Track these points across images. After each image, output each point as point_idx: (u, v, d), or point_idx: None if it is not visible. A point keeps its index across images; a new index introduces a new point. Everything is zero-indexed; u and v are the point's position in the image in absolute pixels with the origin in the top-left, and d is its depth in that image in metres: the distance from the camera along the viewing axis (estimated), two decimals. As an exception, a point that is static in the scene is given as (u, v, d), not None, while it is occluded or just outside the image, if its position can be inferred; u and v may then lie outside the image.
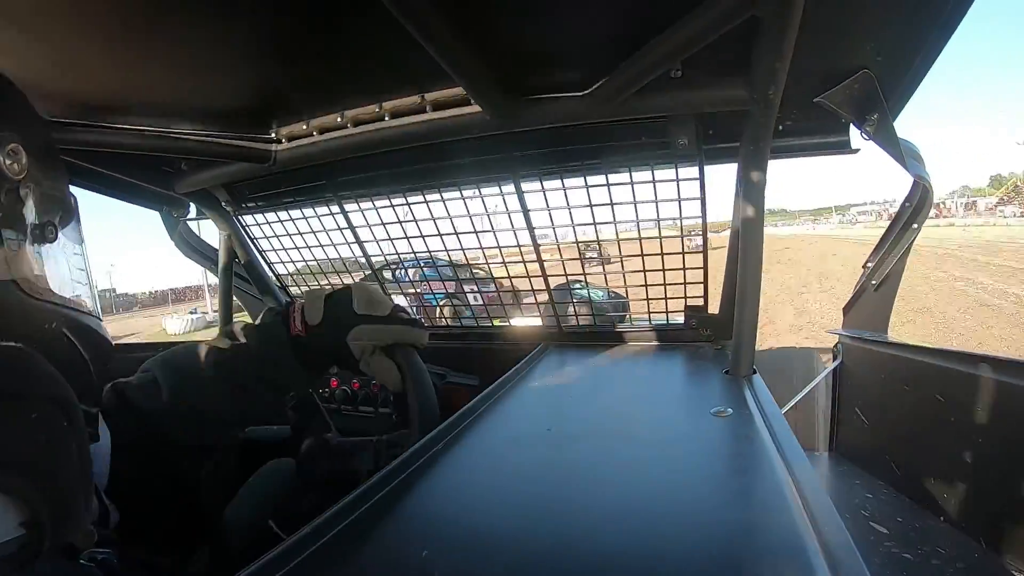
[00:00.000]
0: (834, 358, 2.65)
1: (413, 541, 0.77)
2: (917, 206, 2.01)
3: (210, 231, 2.37)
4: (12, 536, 0.60)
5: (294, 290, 2.48)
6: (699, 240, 1.67)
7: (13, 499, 0.60)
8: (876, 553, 1.80)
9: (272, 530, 1.46)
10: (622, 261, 1.78)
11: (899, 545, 1.82)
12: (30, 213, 0.77)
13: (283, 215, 2.13)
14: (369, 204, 1.96)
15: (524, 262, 1.93)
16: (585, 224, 1.72)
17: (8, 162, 0.73)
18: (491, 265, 1.99)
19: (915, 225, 2.06)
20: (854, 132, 1.44)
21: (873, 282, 2.33)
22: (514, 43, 1.19)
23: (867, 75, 1.26)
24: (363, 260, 2.13)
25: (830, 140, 1.48)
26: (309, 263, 2.28)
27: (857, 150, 1.47)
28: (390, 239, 2.02)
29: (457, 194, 1.80)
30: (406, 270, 2.12)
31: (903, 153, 1.46)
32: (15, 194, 0.74)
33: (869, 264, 2.35)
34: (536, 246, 1.84)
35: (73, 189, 0.88)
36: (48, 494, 0.63)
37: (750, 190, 1.37)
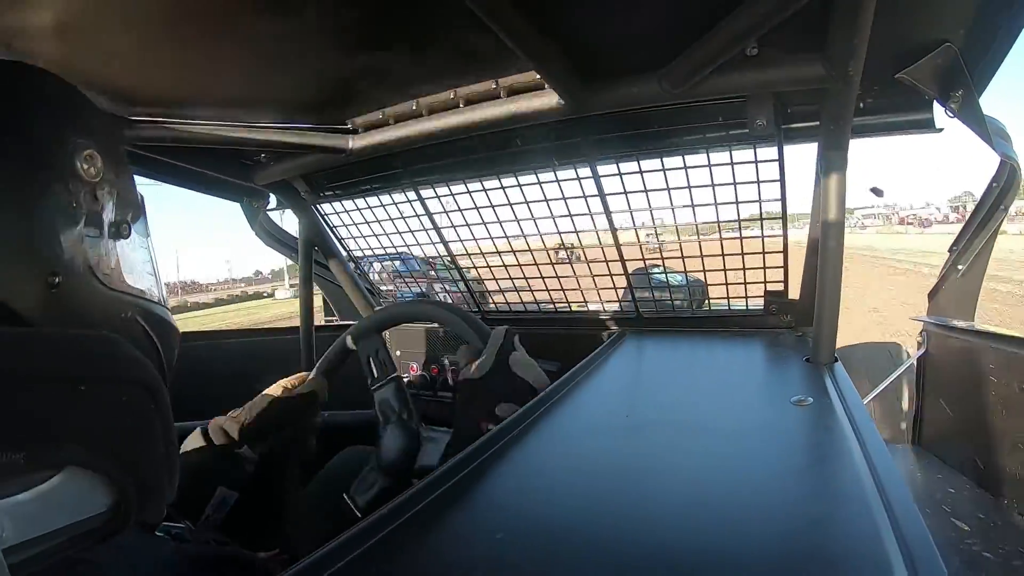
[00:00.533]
0: (918, 346, 2.58)
1: (486, 526, 0.78)
2: (1004, 187, 1.94)
3: (290, 220, 2.43)
4: (100, 511, 0.63)
5: (372, 277, 2.52)
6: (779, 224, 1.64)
7: (103, 478, 0.63)
8: (956, 551, 1.75)
9: (347, 506, 1.50)
10: (700, 245, 1.76)
11: (980, 543, 1.77)
12: (106, 212, 0.81)
13: (360, 203, 2.16)
14: (446, 190, 1.98)
15: (602, 246, 1.92)
16: (663, 208, 1.70)
17: (85, 167, 0.77)
18: (569, 249, 1.99)
19: (1002, 207, 2.00)
20: (938, 110, 1.40)
21: (959, 267, 2.26)
22: (586, 26, 1.18)
23: (950, 49, 1.22)
24: (440, 246, 2.15)
25: (913, 118, 1.43)
26: (387, 249, 2.31)
27: (941, 129, 1.42)
28: (467, 224, 2.03)
29: (533, 179, 1.80)
30: (483, 255, 2.13)
31: (989, 131, 1.41)
32: (92, 195, 0.78)
33: (955, 247, 2.29)
34: (613, 231, 1.83)
35: (155, 183, 0.92)
36: (135, 474, 0.65)
37: (831, 171, 1.34)
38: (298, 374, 1.59)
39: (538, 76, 1.31)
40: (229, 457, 1.41)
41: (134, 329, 0.86)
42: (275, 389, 1.53)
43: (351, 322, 1.81)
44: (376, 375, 1.66)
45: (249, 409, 1.47)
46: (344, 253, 2.44)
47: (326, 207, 2.26)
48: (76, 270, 0.74)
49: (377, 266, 2.45)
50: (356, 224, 2.24)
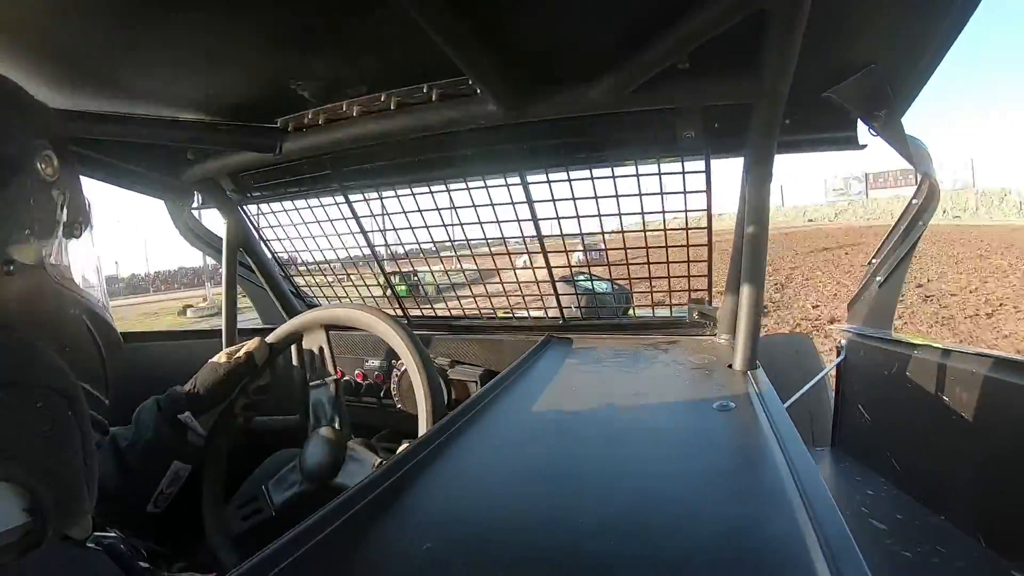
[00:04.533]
0: (838, 353, 2.64)
1: (416, 534, 0.78)
2: (924, 204, 2.00)
3: (214, 220, 2.38)
4: (17, 524, 0.61)
5: (298, 279, 2.48)
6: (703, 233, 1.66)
7: (16, 487, 0.61)
8: (876, 550, 1.80)
9: (265, 497, 1.49)
10: (626, 253, 1.78)
11: (899, 543, 1.82)
12: (60, 212, 0.82)
13: (288, 205, 2.13)
14: (374, 194, 1.96)
15: (528, 253, 1.93)
16: (590, 216, 1.72)
17: (43, 167, 0.79)
18: (495, 256, 1.99)
19: (921, 223, 2.06)
20: (862, 128, 1.44)
21: (878, 278, 2.32)
22: (521, 34, 1.19)
23: (875, 69, 1.26)
24: (367, 250, 2.13)
25: (837, 135, 1.47)
26: (313, 252, 2.28)
27: (864, 146, 1.46)
28: (395, 229, 2.02)
29: (463, 185, 1.80)
30: (410, 260, 2.12)
31: (911, 150, 1.46)
32: (48, 195, 0.80)
33: (875, 260, 2.35)
34: (540, 238, 1.84)
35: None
36: (51, 483, 0.63)
37: (755, 184, 1.37)
38: (243, 342, 1.60)
39: (471, 82, 1.30)
40: (182, 430, 1.41)
41: (79, 328, 0.86)
42: (219, 356, 1.55)
43: (272, 326, 1.78)
44: (316, 372, 1.65)
45: (195, 379, 1.49)
46: (270, 255, 2.40)
47: (252, 208, 2.23)
48: (29, 261, 0.74)
49: (303, 269, 2.41)
50: (283, 226, 2.21)
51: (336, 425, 1.58)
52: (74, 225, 0.85)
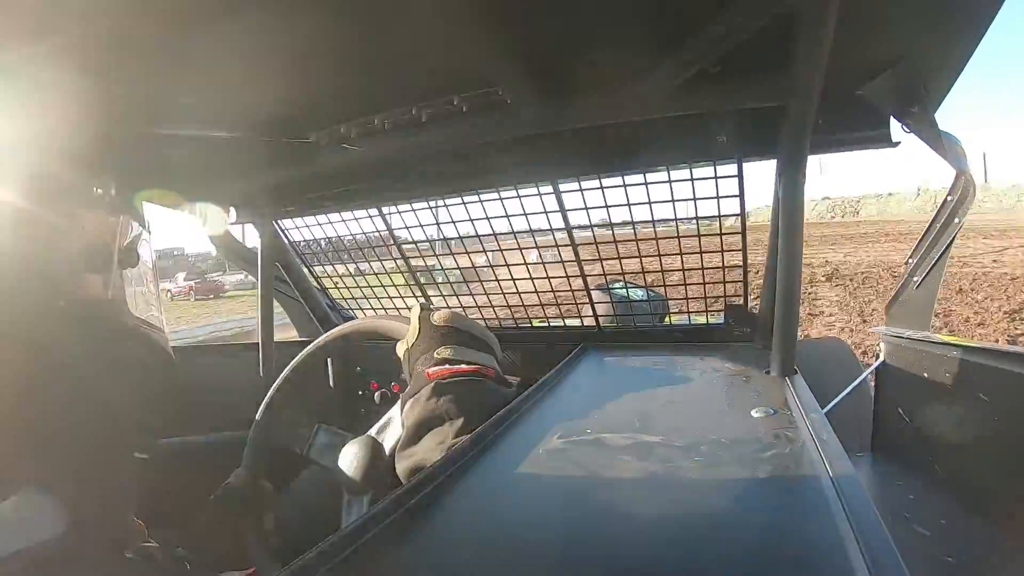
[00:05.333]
0: (876, 357, 2.61)
1: (451, 545, 0.78)
2: (959, 200, 1.98)
3: (251, 235, 2.40)
4: (54, 535, 0.62)
5: (333, 292, 2.50)
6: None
7: (55, 499, 0.62)
8: (918, 556, 1.77)
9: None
10: (661, 260, 1.77)
11: (942, 548, 1.79)
12: (116, 240, 0.85)
13: (322, 219, 2.15)
14: (407, 207, 1.97)
15: (563, 262, 1.93)
16: (623, 223, 1.72)
17: (100, 193, 0.82)
18: (530, 266, 2.00)
19: (957, 220, 2.03)
20: (894, 125, 1.42)
21: (915, 279, 2.29)
22: (550, 43, 1.19)
23: (907, 65, 1.25)
24: (401, 261, 2.14)
25: (870, 134, 1.45)
26: (348, 265, 2.30)
27: (898, 143, 1.45)
28: (428, 241, 2.03)
29: (495, 195, 1.81)
30: (444, 271, 2.13)
31: (944, 146, 1.44)
32: (104, 223, 0.80)
33: (911, 260, 2.32)
34: (574, 246, 1.84)
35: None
36: (91, 495, 0.64)
37: (789, 187, 1.36)
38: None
39: (501, 92, 1.31)
40: None
41: (134, 355, 0.86)
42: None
43: (308, 339, 1.79)
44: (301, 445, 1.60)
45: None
46: (305, 269, 2.42)
47: (287, 222, 2.25)
48: (84, 294, 0.75)
49: (339, 282, 2.43)
50: (317, 240, 2.23)
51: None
52: (130, 253, 0.85)
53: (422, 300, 2.24)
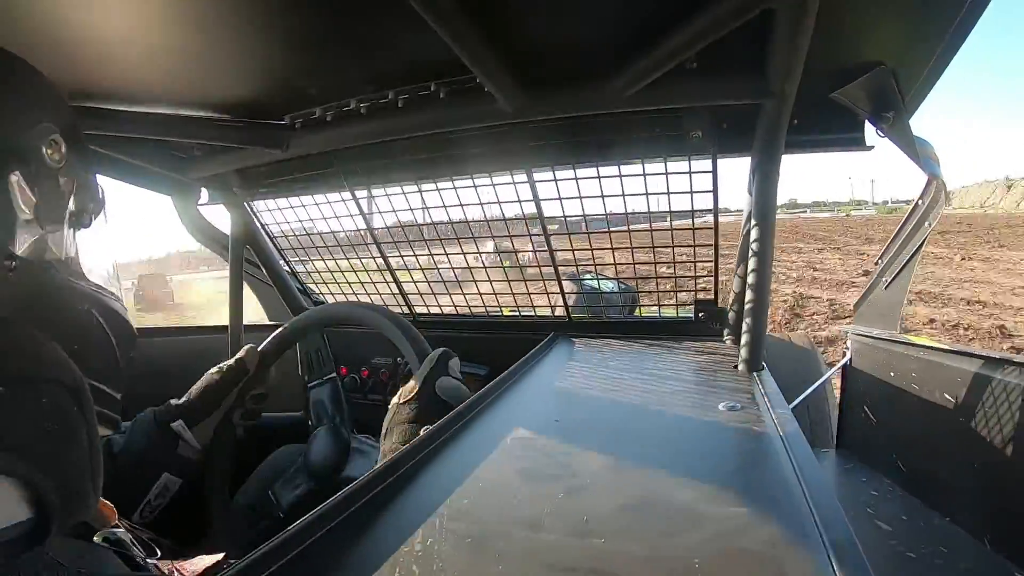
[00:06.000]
0: (843, 355, 2.64)
1: (417, 531, 0.77)
2: (930, 205, 2.00)
3: (221, 216, 2.38)
4: (19, 519, 0.60)
5: (304, 276, 2.49)
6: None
7: (18, 482, 0.60)
8: (880, 551, 1.79)
9: (272, 500, 1.49)
10: (632, 253, 1.78)
11: (903, 543, 1.81)
12: (68, 200, 0.80)
13: (295, 202, 2.14)
14: (381, 191, 1.96)
15: (535, 251, 1.93)
16: (596, 215, 1.72)
17: (49, 152, 0.76)
18: (501, 254, 1.99)
19: (927, 224, 2.05)
20: (869, 129, 1.43)
21: (884, 279, 2.32)
22: (529, 33, 1.19)
23: (884, 70, 1.25)
24: (373, 247, 2.14)
25: (844, 136, 1.46)
26: (320, 249, 2.29)
27: (871, 147, 1.46)
28: (400, 226, 2.03)
29: (469, 182, 1.81)
30: (416, 257, 2.13)
31: (918, 151, 1.45)
32: (55, 182, 0.77)
33: (880, 261, 2.34)
34: (547, 235, 1.84)
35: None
36: (55, 478, 0.63)
37: (762, 184, 1.37)
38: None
39: (479, 81, 1.30)
40: (173, 441, 1.41)
41: (89, 324, 0.84)
42: (213, 369, 1.54)
43: (280, 323, 1.78)
44: (314, 372, 1.65)
45: (189, 392, 1.49)
46: (276, 252, 2.41)
47: (259, 204, 2.23)
48: (33, 256, 0.73)
49: (310, 266, 2.42)
50: (289, 223, 2.22)
51: (337, 421, 1.59)
52: (83, 214, 0.82)
53: (394, 288, 2.24)
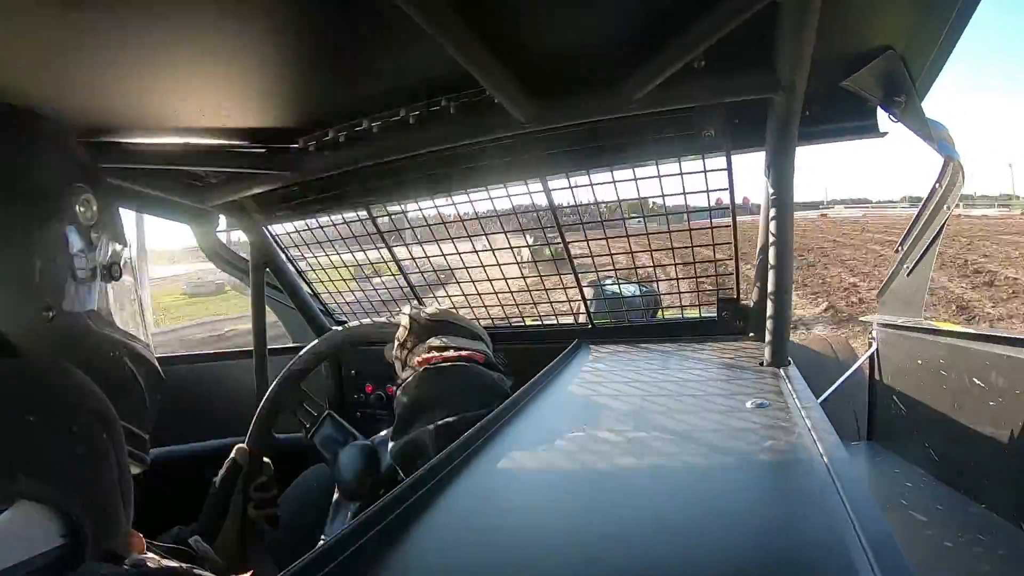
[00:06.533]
0: (869, 345, 2.62)
1: (448, 541, 0.77)
2: (948, 187, 1.98)
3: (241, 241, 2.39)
4: (52, 546, 0.61)
5: (325, 297, 2.50)
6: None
7: (52, 509, 0.61)
8: (917, 542, 1.77)
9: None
10: (652, 255, 1.78)
11: (940, 534, 1.79)
12: (99, 254, 0.85)
13: (312, 223, 2.14)
14: (397, 208, 1.97)
15: (554, 259, 1.93)
16: (614, 220, 1.72)
17: (82, 210, 0.81)
18: (521, 264, 2.00)
19: (946, 207, 2.03)
20: (881, 115, 1.43)
21: (906, 266, 2.30)
22: (536, 43, 1.19)
23: (892, 55, 1.25)
24: (392, 264, 2.14)
25: (857, 124, 1.46)
26: (339, 268, 2.29)
27: (885, 133, 1.45)
28: (419, 242, 2.03)
29: (484, 194, 1.81)
30: (436, 271, 2.13)
31: (932, 134, 1.44)
32: (87, 238, 0.82)
33: (901, 248, 2.32)
34: (565, 243, 1.84)
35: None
36: (87, 504, 0.64)
37: (778, 178, 1.36)
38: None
39: (488, 93, 1.30)
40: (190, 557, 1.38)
41: (120, 368, 0.87)
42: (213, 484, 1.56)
43: (303, 344, 1.79)
44: (307, 422, 1.66)
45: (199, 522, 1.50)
46: (296, 274, 2.41)
47: (277, 228, 2.24)
48: (70, 307, 0.77)
49: (330, 286, 2.42)
50: (308, 244, 2.22)
51: (351, 440, 1.60)
52: (113, 267, 0.87)
53: (415, 302, 2.24)
